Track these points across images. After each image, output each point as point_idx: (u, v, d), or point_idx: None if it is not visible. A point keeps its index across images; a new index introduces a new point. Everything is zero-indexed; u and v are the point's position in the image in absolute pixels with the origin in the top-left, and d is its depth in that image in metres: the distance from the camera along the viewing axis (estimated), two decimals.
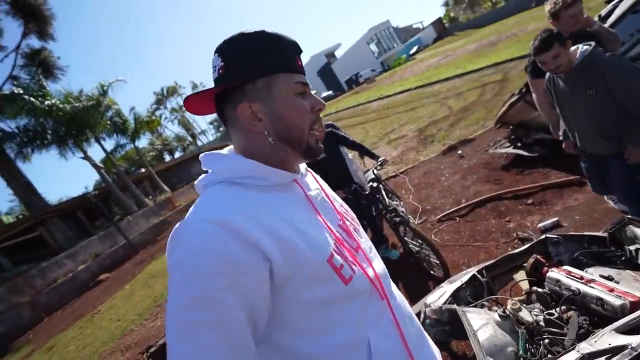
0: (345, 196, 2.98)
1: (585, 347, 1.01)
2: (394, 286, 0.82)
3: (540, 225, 2.81)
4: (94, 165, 14.17)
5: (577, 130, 2.11)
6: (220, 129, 72.80)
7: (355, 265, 0.69)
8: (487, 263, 2.00)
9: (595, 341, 1.04)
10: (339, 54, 50.13)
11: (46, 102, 12.03)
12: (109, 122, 13.93)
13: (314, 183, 0.81)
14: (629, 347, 0.89)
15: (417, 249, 2.84)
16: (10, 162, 15.08)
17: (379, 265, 0.78)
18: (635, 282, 1.53)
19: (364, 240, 0.80)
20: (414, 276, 2.95)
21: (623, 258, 1.68)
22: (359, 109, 16.65)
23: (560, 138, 2.34)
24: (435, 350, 0.84)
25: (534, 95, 2.49)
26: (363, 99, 18.41)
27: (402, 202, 3.84)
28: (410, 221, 3.38)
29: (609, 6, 2.85)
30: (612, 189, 2.21)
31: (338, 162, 3.12)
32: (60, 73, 18.25)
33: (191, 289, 0.53)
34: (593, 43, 1.89)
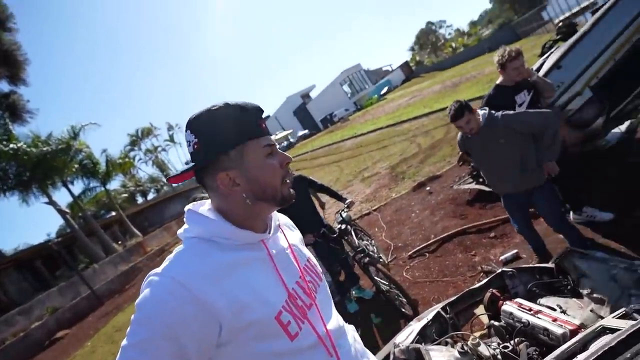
0: (315, 240, 3.03)
1: None
2: (354, 338, 0.91)
3: (501, 257, 2.96)
4: (59, 210, 13.50)
5: (499, 175, 2.44)
6: None
7: (303, 322, 0.76)
8: (451, 299, 2.08)
9: None
10: (313, 94, 52.19)
11: (10, 146, 11.62)
12: (76, 166, 13.51)
13: (282, 241, 0.88)
14: None
15: (387, 288, 2.89)
16: None
17: (333, 322, 0.85)
18: (579, 309, 1.65)
19: (322, 298, 0.87)
20: (386, 315, 2.96)
21: (569, 286, 1.82)
22: (333, 147, 17.14)
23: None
24: None
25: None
26: (337, 138, 19.03)
27: (373, 241, 3.92)
28: (381, 260, 3.46)
29: (541, 60, 3.27)
30: (545, 216, 2.50)
31: (308, 206, 3.21)
32: (29, 116, 17.84)
33: (140, 331, 0.62)
34: (487, 108, 2.33)
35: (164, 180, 45.64)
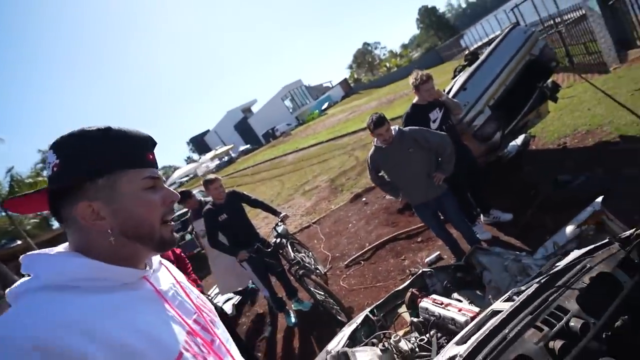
0: (249, 256, 3.00)
1: None
2: None
3: (427, 259, 3.23)
4: None
5: (410, 184, 2.74)
6: None
7: (211, 357, 0.69)
8: (378, 302, 2.21)
9: (442, 356, 1.25)
10: (255, 108, 51.84)
11: None
12: None
13: (169, 277, 0.76)
14: (458, 355, 1.10)
15: (322, 298, 2.96)
16: None
17: (237, 357, 0.79)
18: (482, 299, 1.88)
19: (221, 332, 0.78)
20: (324, 324, 3.03)
21: (476, 280, 2.07)
22: (276, 161, 17.14)
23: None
24: None
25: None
26: (279, 152, 19.09)
27: (311, 253, 4.00)
28: (317, 271, 3.54)
29: (452, 82, 3.72)
30: (452, 220, 2.82)
31: (242, 221, 3.18)
32: None
33: None
34: (397, 126, 2.68)
35: None
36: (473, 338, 1.19)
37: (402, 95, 18.15)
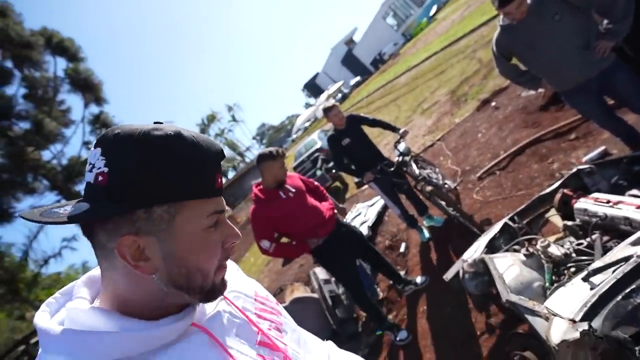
0: (374, 177, 3.06)
1: (596, 264, 1.02)
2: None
3: (585, 158, 2.63)
4: None
5: (557, 64, 1.99)
6: (264, 140, 75.70)
7: None
8: (518, 209, 1.97)
9: (609, 257, 1.04)
10: (357, 37, 49.12)
11: None
12: None
13: (216, 302, 0.59)
14: (635, 255, 0.90)
15: (453, 212, 2.83)
16: None
17: (314, 348, 0.70)
18: None
19: (289, 337, 0.66)
20: (459, 237, 2.93)
21: None
22: (388, 87, 16.27)
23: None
24: None
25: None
26: (391, 76, 17.95)
27: (437, 169, 3.79)
28: (446, 186, 3.35)
29: None
30: (629, 99, 2.02)
31: (365, 143, 3.23)
32: None
33: None
34: None
35: (238, 157, 49.18)
36: None
37: None
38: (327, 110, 3.08)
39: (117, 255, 0.46)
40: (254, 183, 2.34)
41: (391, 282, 3.00)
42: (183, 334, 0.51)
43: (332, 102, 3.17)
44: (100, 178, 0.46)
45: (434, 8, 36.30)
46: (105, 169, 0.45)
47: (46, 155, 19.53)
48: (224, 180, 0.57)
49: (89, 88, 19.64)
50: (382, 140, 8.93)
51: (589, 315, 0.88)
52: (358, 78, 37.59)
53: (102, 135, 0.48)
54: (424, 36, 24.17)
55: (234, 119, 51.66)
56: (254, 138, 74.29)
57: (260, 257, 8.09)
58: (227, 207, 0.56)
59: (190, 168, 0.47)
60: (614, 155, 2.53)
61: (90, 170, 0.47)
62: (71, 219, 0.44)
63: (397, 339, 2.51)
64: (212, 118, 47.67)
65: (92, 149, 0.48)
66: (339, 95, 32.91)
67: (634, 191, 1.61)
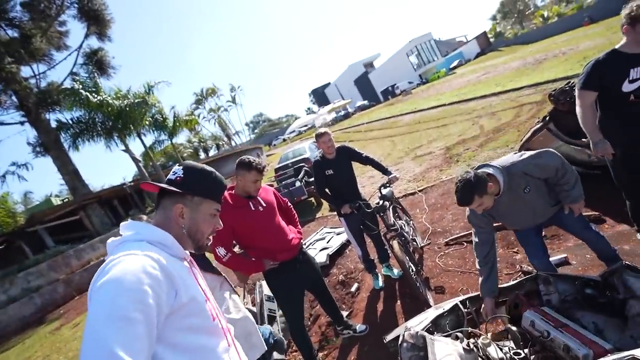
0: (351, 211, 3.04)
1: None
2: (237, 344, 1.12)
3: (549, 260, 2.71)
4: (133, 158, 15.11)
5: (536, 217, 2.10)
6: (255, 130, 74.93)
7: (215, 315, 1.02)
8: (474, 294, 1.98)
9: None
10: (377, 64, 50.08)
11: (98, 98, 13.10)
12: (149, 119, 14.87)
13: (196, 270, 1.12)
14: None
15: (412, 272, 2.83)
16: (63, 151, 16.55)
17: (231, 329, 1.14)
18: (618, 333, 1.48)
19: (216, 306, 1.10)
20: (410, 298, 2.94)
21: (614, 306, 1.63)
22: (390, 121, 16.53)
23: (600, 144, 2.26)
24: None
25: (578, 106, 2.31)
26: (396, 112, 18.27)
27: (412, 222, 3.82)
28: (414, 243, 3.37)
29: None
30: (570, 230, 2.19)
31: (348, 177, 3.20)
32: (113, 72, 19.81)
33: (133, 294, 0.77)
34: (499, 167, 1.93)
35: (225, 138, 48.37)
36: None
37: (557, 55, 14.65)
38: (318, 136, 3.04)
39: (172, 211, 1.02)
40: (229, 186, 2.26)
41: (331, 320, 2.95)
42: (181, 258, 1.02)
43: (324, 128, 3.12)
44: (178, 179, 1.05)
45: (456, 62, 37.68)
46: (183, 176, 1.05)
47: (26, 71, 18.27)
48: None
49: (97, 20, 18.73)
50: (367, 172, 9.01)
51: None
52: (365, 102, 38.14)
53: (185, 164, 1.09)
54: (438, 84, 24.90)
55: (233, 101, 51.02)
56: (247, 124, 73.50)
57: None
58: None
59: (215, 186, 1.09)
60: (572, 266, 2.63)
61: (174, 174, 1.06)
62: (170, 184, 1.04)
63: None
64: (211, 92, 46.88)
65: (177, 167, 1.08)
66: (343, 112, 33.21)
67: (579, 315, 1.66)
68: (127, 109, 13.63)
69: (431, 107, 14.67)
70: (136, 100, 13.98)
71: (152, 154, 17.28)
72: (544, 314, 1.50)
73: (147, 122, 14.77)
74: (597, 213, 3.00)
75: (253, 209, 2.16)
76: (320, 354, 2.82)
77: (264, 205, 2.20)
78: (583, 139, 2.95)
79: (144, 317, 0.75)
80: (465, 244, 3.48)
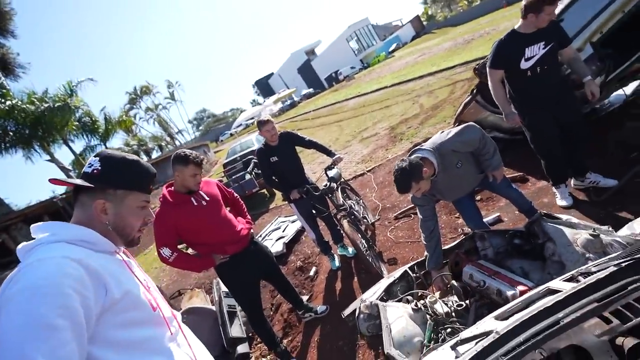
0: (300, 196, 3.04)
1: (465, 333, 1.10)
2: (185, 330, 1.09)
3: (483, 220, 2.95)
4: (61, 168, 13.64)
5: (466, 187, 2.32)
6: (200, 127, 71.56)
7: (156, 305, 0.97)
8: (419, 260, 2.10)
9: (477, 328, 1.13)
10: (319, 51, 50.07)
11: (7, 103, 11.49)
12: (76, 123, 13.42)
13: (129, 261, 1.04)
14: (494, 331, 0.98)
15: (364, 248, 2.93)
16: None
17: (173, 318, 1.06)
18: (540, 272, 1.66)
19: (162, 304, 1.04)
20: (366, 273, 3.04)
21: (537, 249, 1.82)
22: (336, 106, 16.73)
23: (510, 115, 2.57)
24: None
25: (490, 83, 2.62)
26: (341, 97, 18.52)
27: (362, 201, 3.93)
28: (365, 220, 3.48)
29: None
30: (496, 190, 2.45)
31: (294, 163, 3.18)
32: (22, 71, 17.36)
33: (53, 299, 0.72)
34: (425, 148, 2.09)
35: (167, 138, 45.60)
36: (517, 316, 1.04)
37: (483, 35, 15.80)
38: (260, 124, 2.97)
39: (91, 208, 0.92)
40: (167, 183, 2.12)
41: (292, 306, 2.96)
42: (111, 252, 0.95)
43: (267, 116, 3.07)
44: (95, 171, 0.94)
45: (394, 45, 38.98)
46: (100, 168, 0.94)
47: None
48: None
49: None
50: (317, 158, 9.08)
51: None
52: (310, 90, 38.09)
53: (101, 152, 0.97)
54: (379, 68, 25.62)
55: (172, 97, 48.04)
56: (190, 122, 69.88)
57: None
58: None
59: (139, 176, 1.00)
60: (504, 222, 2.91)
61: (89, 167, 0.95)
62: (86, 177, 0.94)
63: None
64: (145, 90, 43.65)
65: (93, 158, 0.96)
66: (289, 101, 32.90)
67: (510, 263, 1.84)
68: (46, 113, 12.17)
69: (374, 90, 15.09)
70: (56, 104, 12.53)
71: (84, 162, 15.76)
72: (480, 267, 1.63)
73: (73, 127, 13.37)
74: (521, 173, 3.32)
75: (196, 204, 2.06)
76: (285, 341, 2.83)
77: (207, 199, 2.11)
78: None
79: (69, 322, 0.72)
80: (412, 216, 3.67)
